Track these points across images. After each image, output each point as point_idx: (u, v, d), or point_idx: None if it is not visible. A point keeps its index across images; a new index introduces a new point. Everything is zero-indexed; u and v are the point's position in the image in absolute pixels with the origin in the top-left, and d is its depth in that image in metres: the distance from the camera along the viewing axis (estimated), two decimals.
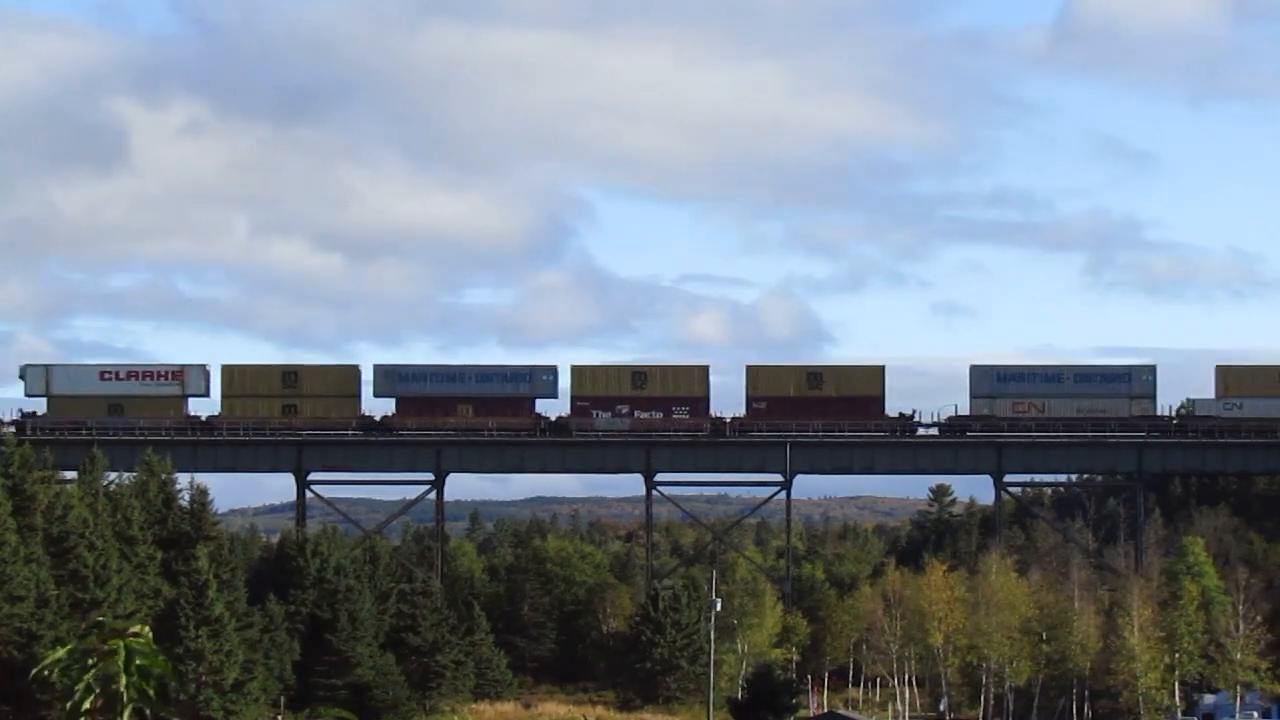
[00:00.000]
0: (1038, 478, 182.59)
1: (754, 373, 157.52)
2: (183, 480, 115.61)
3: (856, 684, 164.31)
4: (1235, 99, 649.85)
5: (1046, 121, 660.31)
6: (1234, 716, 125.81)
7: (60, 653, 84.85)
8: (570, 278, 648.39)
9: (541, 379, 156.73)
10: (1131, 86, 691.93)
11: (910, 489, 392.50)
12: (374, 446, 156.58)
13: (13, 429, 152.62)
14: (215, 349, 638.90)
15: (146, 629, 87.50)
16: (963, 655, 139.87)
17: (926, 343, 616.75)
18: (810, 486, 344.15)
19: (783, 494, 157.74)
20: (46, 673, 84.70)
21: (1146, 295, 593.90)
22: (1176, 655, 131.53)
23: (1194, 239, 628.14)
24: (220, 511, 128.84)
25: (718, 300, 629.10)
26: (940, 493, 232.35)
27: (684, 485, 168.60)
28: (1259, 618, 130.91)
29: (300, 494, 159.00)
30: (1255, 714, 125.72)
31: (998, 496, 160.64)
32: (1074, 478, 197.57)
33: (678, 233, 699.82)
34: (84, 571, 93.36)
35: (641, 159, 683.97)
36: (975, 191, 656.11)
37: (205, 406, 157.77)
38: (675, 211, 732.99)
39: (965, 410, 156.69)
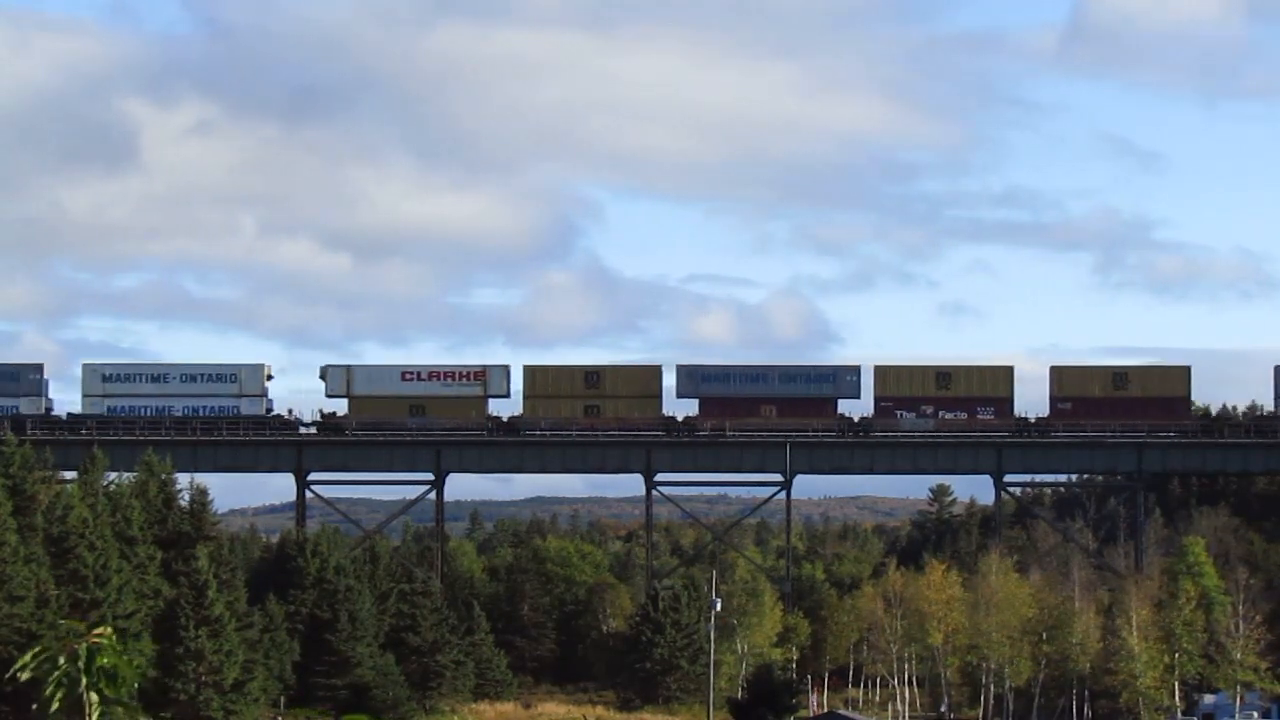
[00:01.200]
0: (1038, 478, 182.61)
1: (1059, 373, 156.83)
2: (183, 480, 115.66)
3: (856, 684, 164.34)
4: (1247, 99, 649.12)
5: (1056, 121, 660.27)
6: (1234, 716, 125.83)
7: (27, 656, 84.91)
8: (578, 277, 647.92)
9: (846, 379, 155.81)
10: (1142, 86, 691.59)
11: (910, 489, 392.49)
12: (374, 446, 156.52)
13: (313, 429, 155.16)
14: (220, 349, 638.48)
15: (109, 629, 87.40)
16: (963, 655, 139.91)
17: (930, 343, 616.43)
18: (810, 486, 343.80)
19: (783, 494, 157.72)
20: (19, 673, 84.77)
21: (1154, 295, 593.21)
22: (1176, 655, 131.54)
23: (1202, 239, 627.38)
24: (220, 511, 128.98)
25: (724, 300, 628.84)
26: (940, 493, 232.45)
27: (684, 485, 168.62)
28: (1259, 618, 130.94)
29: (300, 494, 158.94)
30: (1255, 714, 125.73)
31: (998, 496, 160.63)
32: (1074, 478, 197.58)
33: (685, 232, 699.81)
34: (84, 571, 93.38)
35: (650, 159, 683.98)
36: (984, 191, 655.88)
37: (506, 407, 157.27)
38: (683, 211, 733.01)
39: (1271, 408, 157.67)
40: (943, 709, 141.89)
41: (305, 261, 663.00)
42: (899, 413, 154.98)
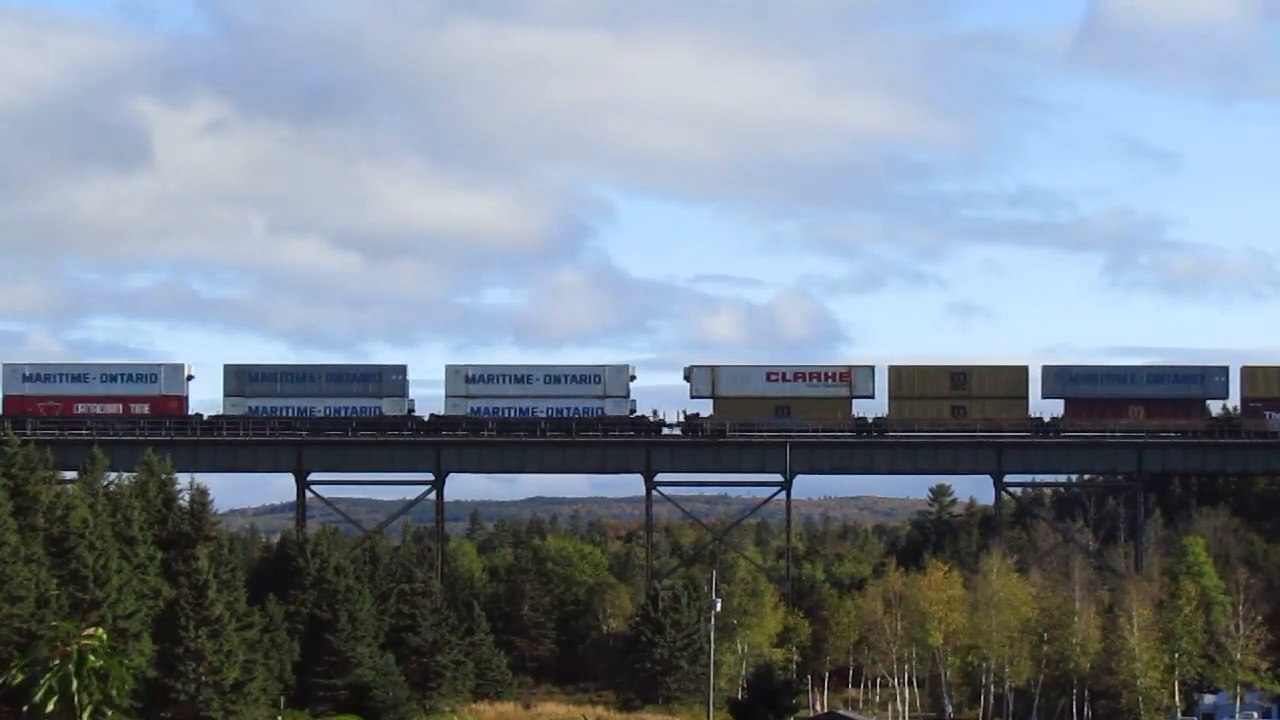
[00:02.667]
0: (1038, 478, 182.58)
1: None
2: (183, 480, 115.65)
3: (857, 684, 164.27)
4: (1262, 99, 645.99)
5: (1069, 122, 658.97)
6: (1234, 716, 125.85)
7: (20, 658, 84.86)
8: (587, 278, 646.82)
9: (1214, 380, 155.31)
10: (1157, 86, 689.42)
11: (910, 489, 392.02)
12: (374, 446, 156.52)
13: (677, 429, 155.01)
14: (226, 349, 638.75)
15: (100, 630, 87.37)
16: (963, 655, 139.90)
17: (939, 343, 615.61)
18: (810, 486, 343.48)
19: (783, 494, 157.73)
20: (15, 675, 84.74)
21: (1165, 295, 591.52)
22: (1176, 655, 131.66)
23: (1214, 239, 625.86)
24: (220, 511, 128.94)
25: (732, 300, 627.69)
26: (940, 493, 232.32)
27: (684, 485, 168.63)
28: (1259, 618, 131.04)
29: (300, 494, 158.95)
30: (1255, 714, 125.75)
31: (998, 496, 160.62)
32: (1074, 478, 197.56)
33: (696, 232, 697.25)
34: (84, 571, 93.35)
35: (661, 158, 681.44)
36: (996, 192, 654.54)
37: (871, 408, 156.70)
38: (694, 211, 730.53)
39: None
40: (947, 711, 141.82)
41: (315, 261, 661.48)
42: (1268, 413, 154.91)
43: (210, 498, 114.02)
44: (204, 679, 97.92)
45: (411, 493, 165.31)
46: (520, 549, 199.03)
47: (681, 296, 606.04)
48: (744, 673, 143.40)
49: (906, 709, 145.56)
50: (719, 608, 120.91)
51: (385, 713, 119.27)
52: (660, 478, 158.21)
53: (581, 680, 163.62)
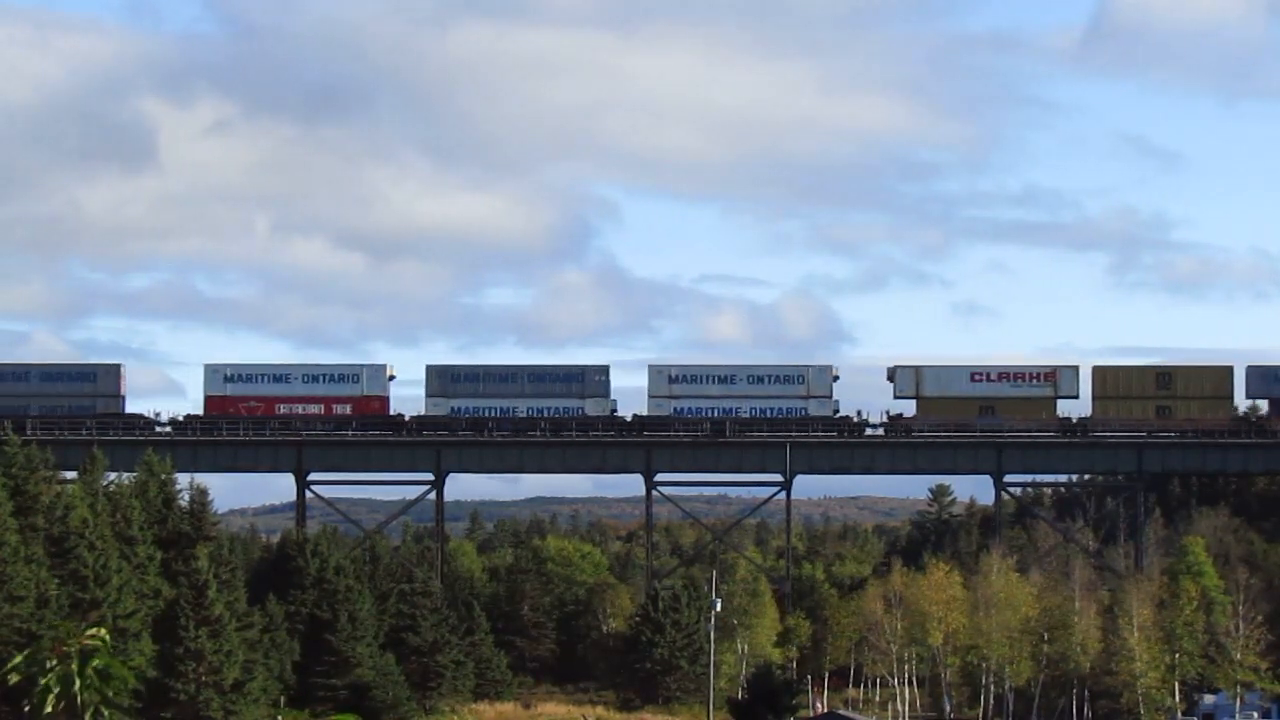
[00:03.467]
0: (1038, 478, 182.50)
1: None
2: (183, 480, 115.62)
3: (857, 684, 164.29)
4: (1268, 99, 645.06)
5: (1074, 121, 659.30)
6: (1234, 716, 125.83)
7: (19, 658, 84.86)
8: (591, 278, 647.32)
9: None
10: (1163, 86, 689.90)
11: (910, 489, 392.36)
12: (374, 446, 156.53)
13: (880, 430, 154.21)
14: (232, 349, 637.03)
15: (103, 631, 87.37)
16: (963, 655, 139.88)
17: (942, 343, 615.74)
18: (810, 486, 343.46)
19: (783, 494, 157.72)
20: (12, 675, 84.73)
21: (1169, 295, 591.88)
22: (1177, 655, 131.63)
23: (1218, 239, 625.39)
24: (220, 511, 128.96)
25: (735, 300, 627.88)
26: (940, 493, 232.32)
27: (684, 485, 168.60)
28: (1259, 618, 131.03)
29: (300, 494, 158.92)
30: (1255, 714, 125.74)
31: (998, 496, 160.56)
32: (1074, 478, 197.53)
33: (700, 232, 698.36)
34: (84, 571, 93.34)
35: (667, 158, 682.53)
36: (1001, 191, 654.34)
37: (1076, 408, 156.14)
38: (699, 211, 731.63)
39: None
40: (947, 711, 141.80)
41: (318, 261, 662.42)
42: None
43: (210, 498, 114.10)
44: (204, 679, 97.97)
45: (411, 493, 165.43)
46: (520, 549, 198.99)
47: (685, 296, 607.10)
48: (744, 673, 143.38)
49: (906, 709, 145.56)
50: (719, 608, 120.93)
51: (385, 713, 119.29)
52: (660, 478, 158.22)
53: (581, 680, 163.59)
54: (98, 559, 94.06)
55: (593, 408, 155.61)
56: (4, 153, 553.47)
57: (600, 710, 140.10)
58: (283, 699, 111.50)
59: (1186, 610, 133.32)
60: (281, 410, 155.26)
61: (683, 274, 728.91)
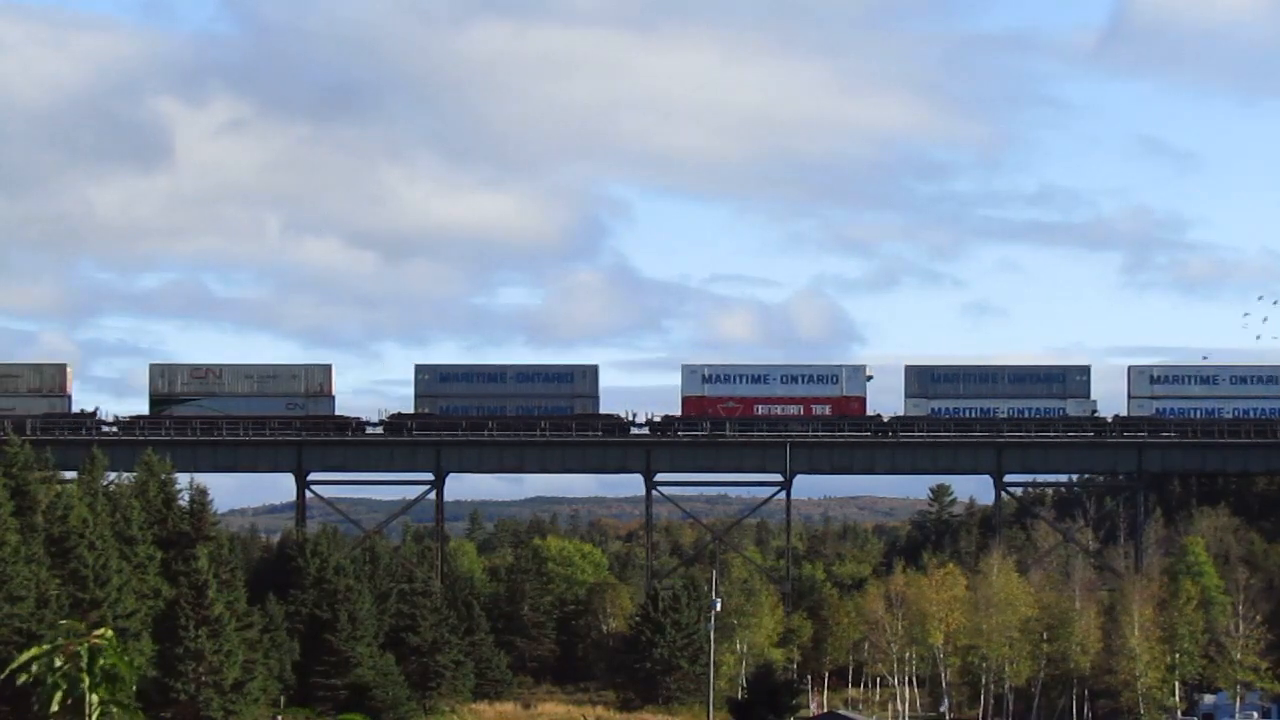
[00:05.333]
0: (1038, 478, 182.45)
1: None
2: (183, 480, 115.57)
3: (857, 684, 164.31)
4: None
5: (1090, 121, 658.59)
6: (1234, 716, 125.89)
7: (23, 656, 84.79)
8: (603, 277, 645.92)
9: None
10: (1179, 87, 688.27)
11: (910, 489, 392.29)
12: (374, 446, 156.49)
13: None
14: (239, 349, 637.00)
15: (109, 630, 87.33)
16: (963, 655, 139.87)
17: (953, 343, 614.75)
18: (810, 486, 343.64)
19: (783, 494, 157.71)
20: (20, 674, 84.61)
21: (1181, 295, 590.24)
22: (1177, 655, 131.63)
23: (1230, 240, 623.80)
24: (220, 511, 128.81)
25: (745, 300, 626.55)
26: (940, 493, 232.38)
27: (684, 485, 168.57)
28: (1259, 618, 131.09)
29: (300, 494, 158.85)
30: (1255, 714, 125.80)
31: (998, 496, 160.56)
32: (1074, 478, 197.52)
33: (713, 232, 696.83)
34: (84, 571, 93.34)
35: (680, 157, 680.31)
36: (1016, 191, 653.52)
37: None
38: (712, 210, 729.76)
39: None
40: (944, 710, 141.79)
41: (330, 261, 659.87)
42: None
43: (210, 498, 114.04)
44: (204, 679, 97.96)
45: (411, 493, 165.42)
46: (520, 549, 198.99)
47: (695, 297, 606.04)
48: (744, 673, 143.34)
49: (906, 709, 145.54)
50: (719, 608, 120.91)
51: (385, 713, 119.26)
52: (660, 478, 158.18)
53: (581, 680, 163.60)
54: (98, 559, 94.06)
55: (1074, 408, 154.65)
56: (18, 151, 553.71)
57: (600, 710, 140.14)
58: (283, 699, 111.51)
59: (1186, 610, 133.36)
60: (760, 411, 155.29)
61: (693, 274, 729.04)
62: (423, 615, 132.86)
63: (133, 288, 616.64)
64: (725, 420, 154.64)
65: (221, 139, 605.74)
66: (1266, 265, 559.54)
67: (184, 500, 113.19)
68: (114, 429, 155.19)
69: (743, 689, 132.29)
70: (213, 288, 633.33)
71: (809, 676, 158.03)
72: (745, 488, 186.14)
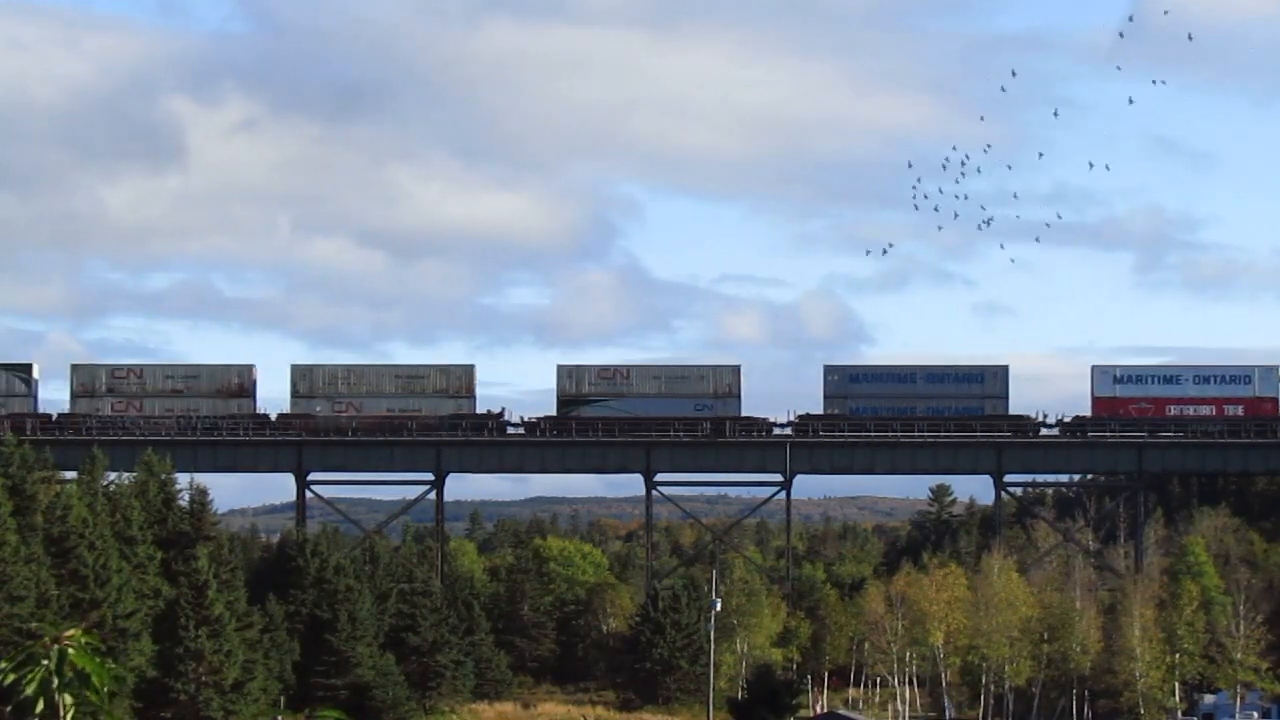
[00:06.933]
0: (1038, 478, 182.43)
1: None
2: (183, 480, 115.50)
3: (857, 684, 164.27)
4: None
5: (1105, 122, 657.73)
6: (1234, 716, 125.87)
7: (5, 660, 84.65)
8: (612, 277, 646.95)
9: None
10: (1196, 87, 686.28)
11: (910, 489, 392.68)
12: (374, 446, 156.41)
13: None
14: (247, 348, 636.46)
15: (79, 631, 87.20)
16: (963, 655, 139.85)
17: (964, 343, 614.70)
18: (810, 486, 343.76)
19: (783, 494, 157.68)
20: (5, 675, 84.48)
21: (1193, 295, 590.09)
22: (1177, 655, 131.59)
23: (1242, 240, 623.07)
24: (220, 511, 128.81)
25: (755, 300, 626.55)
26: (940, 493, 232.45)
27: (684, 485, 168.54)
28: (1259, 618, 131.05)
29: (300, 494, 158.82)
30: (1255, 714, 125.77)
31: (998, 496, 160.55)
32: (1074, 478, 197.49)
33: (723, 232, 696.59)
34: (84, 571, 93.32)
35: (692, 157, 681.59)
36: (1029, 191, 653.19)
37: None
38: (723, 210, 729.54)
39: None
40: (947, 711, 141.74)
41: (340, 261, 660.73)
42: None
43: (210, 498, 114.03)
44: (204, 679, 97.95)
45: (411, 493, 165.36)
46: (520, 549, 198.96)
47: (704, 297, 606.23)
48: (744, 673, 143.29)
49: (906, 709, 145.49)
50: (719, 608, 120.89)
51: (385, 713, 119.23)
52: (660, 478, 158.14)
53: (581, 680, 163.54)
54: (97, 559, 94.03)
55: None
56: (32, 151, 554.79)
57: (600, 710, 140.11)
58: (283, 699, 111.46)
59: (1187, 610, 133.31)
60: (1171, 411, 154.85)
61: (703, 274, 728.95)
62: (423, 615, 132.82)
63: (142, 288, 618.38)
64: (1134, 420, 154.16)
65: (234, 138, 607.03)
66: (1278, 265, 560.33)
67: (184, 500, 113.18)
68: (519, 429, 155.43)
69: (743, 689, 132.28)
70: (221, 287, 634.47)
71: (809, 676, 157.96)
72: (745, 488, 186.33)
